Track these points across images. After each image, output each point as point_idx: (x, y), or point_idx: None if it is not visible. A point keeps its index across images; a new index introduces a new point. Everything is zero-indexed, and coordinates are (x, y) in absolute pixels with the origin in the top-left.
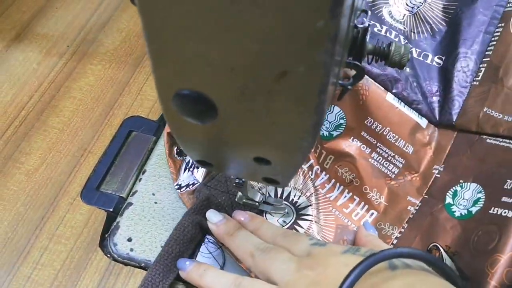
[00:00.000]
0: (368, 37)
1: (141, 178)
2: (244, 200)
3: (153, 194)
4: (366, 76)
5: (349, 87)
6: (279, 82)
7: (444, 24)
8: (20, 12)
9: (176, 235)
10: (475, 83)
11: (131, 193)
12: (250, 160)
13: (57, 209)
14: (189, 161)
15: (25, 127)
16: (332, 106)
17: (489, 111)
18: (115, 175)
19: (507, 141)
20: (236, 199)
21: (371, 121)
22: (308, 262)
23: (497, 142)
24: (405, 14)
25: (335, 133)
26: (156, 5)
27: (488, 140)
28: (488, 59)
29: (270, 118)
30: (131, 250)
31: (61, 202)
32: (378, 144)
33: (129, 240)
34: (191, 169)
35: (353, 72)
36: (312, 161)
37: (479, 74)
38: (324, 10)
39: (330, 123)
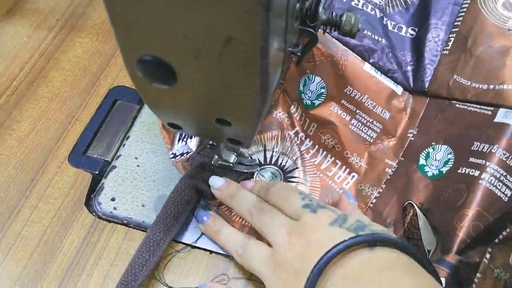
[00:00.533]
0: (321, 7)
1: (124, 144)
2: (219, 162)
3: (136, 158)
4: (344, 48)
5: (299, 53)
6: (227, 47)
7: None
8: None
9: (173, 197)
10: (445, 52)
11: (115, 157)
12: (213, 121)
13: (46, 172)
14: (183, 133)
15: (17, 96)
16: (313, 76)
17: (458, 78)
18: (101, 141)
19: (475, 105)
20: (212, 162)
21: (350, 89)
22: (296, 230)
23: (466, 107)
24: None
25: (317, 102)
26: None
27: (457, 105)
28: (458, 29)
29: (223, 80)
30: (114, 208)
31: (50, 166)
32: (357, 111)
33: (113, 199)
34: (185, 139)
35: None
36: (297, 128)
37: (448, 43)
38: None
39: (312, 92)
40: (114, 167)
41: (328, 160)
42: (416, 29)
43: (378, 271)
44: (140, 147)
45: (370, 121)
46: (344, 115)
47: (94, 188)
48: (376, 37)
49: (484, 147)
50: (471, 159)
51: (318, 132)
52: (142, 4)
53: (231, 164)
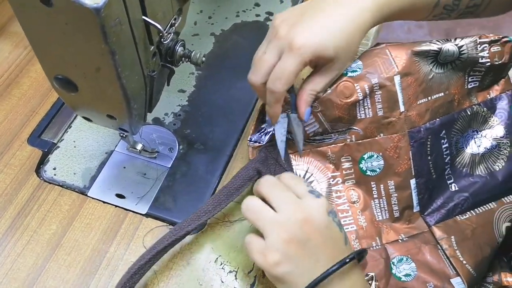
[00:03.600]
0: (178, 46)
1: (67, 131)
2: (130, 148)
3: (74, 141)
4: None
5: (155, 76)
6: (98, 73)
7: None
8: (0, 16)
9: (240, 173)
10: None
11: (59, 140)
12: (105, 116)
13: (11, 148)
14: (264, 128)
15: None
16: (382, 157)
17: None
18: (51, 129)
19: None
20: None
21: (392, 184)
22: (301, 206)
23: None
24: None
25: (369, 173)
26: (31, 28)
27: None
28: None
29: (102, 92)
30: (55, 175)
31: (15, 144)
32: (381, 198)
33: (54, 169)
34: (262, 133)
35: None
36: (338, 173)
37: None
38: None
39: (372, 165)
40: (58, 147)
41: (345, 207)
42: None
43: None
44: (78, 134)
45: (386, 208)
46: (374, 193)
47: (43, 160)
48: None
49: None
50: None
51: (351, 187)
52: (48, 42)
53: (138, 151)
